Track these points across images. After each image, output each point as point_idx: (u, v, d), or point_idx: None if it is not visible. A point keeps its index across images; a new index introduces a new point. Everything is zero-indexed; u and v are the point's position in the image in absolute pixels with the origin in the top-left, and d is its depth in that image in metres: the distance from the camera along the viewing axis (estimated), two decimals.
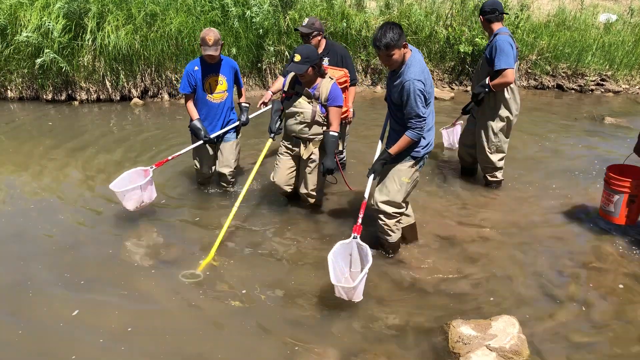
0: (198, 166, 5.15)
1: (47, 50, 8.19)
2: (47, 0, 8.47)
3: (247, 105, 5.15)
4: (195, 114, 4.86)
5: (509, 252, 4.27)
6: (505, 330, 3.12)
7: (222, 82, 4.87)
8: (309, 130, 4.36)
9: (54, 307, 3.55)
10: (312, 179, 4.54)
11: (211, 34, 4.60)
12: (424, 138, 3.75)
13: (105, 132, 7.35)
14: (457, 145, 6.19)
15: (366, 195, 3.89)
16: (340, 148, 5.37)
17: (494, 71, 4.77)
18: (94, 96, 8.89)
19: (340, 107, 4.27)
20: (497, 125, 5.06)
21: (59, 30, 8.22)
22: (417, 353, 3.16)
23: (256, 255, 4.19)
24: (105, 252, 4.25)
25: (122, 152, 6.44)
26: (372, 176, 3.85)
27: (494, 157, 5.17)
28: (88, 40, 8.39)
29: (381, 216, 3.92)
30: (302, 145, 4.46)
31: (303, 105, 4.29)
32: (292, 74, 4.38)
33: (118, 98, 8.90)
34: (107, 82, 8.83)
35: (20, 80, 8.91)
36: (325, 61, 4.98)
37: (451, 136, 6.40)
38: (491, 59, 4.78)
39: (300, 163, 4.60)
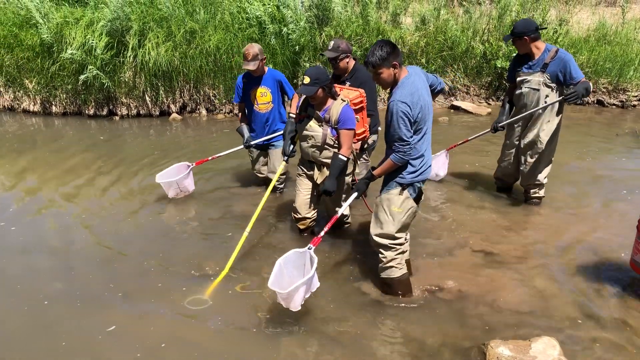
0: (251, 166, 5.70)
1: (91, 67, 8.47)
2: (91, 19, 8.76)
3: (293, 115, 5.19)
4: (243, 120, 5.40)
5: (550, 272, 4.17)
6: (545, 352, 3.04)
7: (266, 94, 5.19)
8: (320, 153, 4.23)
9: (96, 319, 3.63)
10: (335, 200, 4.41)
11: (250, 49, 4.91)
12: (411, 164, 3.53)
13: (145, 146, 7.54)
14: (441, 176, 5.92)
15: (340, 210, 3.83)
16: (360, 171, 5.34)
17: (574, 83, 4.71)
18: (134, 111, 9.14)
19: (352, 129, 4.09)
20: (553, 140, 5.02)
21: (101, 48, 8.50)
22: None
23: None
24: (144, 265, 4.33)
25: (160, 165, 6.57)
26: (355, 194, 3.76)
27: (542, 175, 5.10)
28: (129, 57, 8.64)
29: (380, 250, 3.70)
30: (316, 169, 4.34)
31: (314, 129, 4.18)
32: (304, 96, 4.26)
33: (157, 113, 9.12)
34: (147, 98, 9.06)
35: (64, 96, 9.23)
36: (347, 85, 4.75)
37: (437, 165, 5.81)
38: (565, 73, 4.73)
39: (315, 187, 4.47)
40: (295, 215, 4.57)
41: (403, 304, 3.72)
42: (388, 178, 3.62)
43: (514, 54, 9.07)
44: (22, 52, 9.12)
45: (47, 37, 8.77)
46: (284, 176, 5.64)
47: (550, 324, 3.54)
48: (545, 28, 9.12)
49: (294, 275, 3.45)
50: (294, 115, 4.85)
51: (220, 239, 4.74)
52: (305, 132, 4.24)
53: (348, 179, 4.44)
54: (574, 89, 4.67)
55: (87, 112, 9.18)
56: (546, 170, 5.12)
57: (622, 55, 9.68)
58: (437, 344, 3.34)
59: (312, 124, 4.19)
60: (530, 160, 5.08)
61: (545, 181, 5.16)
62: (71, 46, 8.61)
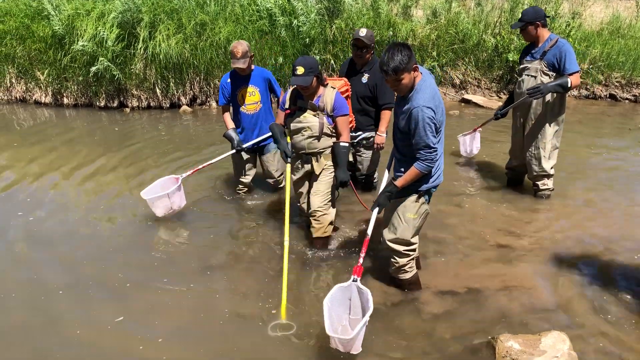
0: (234, 173, 5.25)
1: (102, 59, 8.50)
2: (102, 11, 8.79)
3: None
4: (230, 124, 4.98)
5: (561, 266, 4.14)
6: (555, 347, 3.03)
7: (254, 93, 4.89)
8: (319, 143, 4.08)
9: (106, 309, 3.66)
10: (323, 192, 4.19)
11: (239, 47, 4.61)
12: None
13: (155, 138, 7.56)
14: (474, 153, 6.28)
15: (369, 231, 3.52)
16: (370, 171, 5.31)
17: (569, 74, 4.69)
18: (145, 103, 9.16)
19: (347, 115, 4.05)
20: (556, 130, 5.00)
21: (112, 40, 8.53)
22: None
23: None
24: (151, 256, 4.37)
25: (170, 157, 6.60)
26: (376, 210, 3.55)
27: (548, 165, 5.08)
28: (140, 49, 8.66)
29: (394, 256, 3.63)
30: (313, 161, 4.17)
31: (309, 119, 4.04)
32: (290, 90, 4.16)
33: (168, 105, 9.15)
34: (157, 90, 9.08)
35: (76, 87, 9.27)
36: (365, 78, 4.78)
37: (470, 143, 6.26)
38: (560, 62, 4.72)
39: (311, 180, 4.29)
40: (310, 213, 4.30)
41: (411, 298, 3.72)
42: (407, 186, 3.45)
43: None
44: (33, 43, 9.16)
45: (58, 28, 8.81)
46: (282, 175, 5.28)
47: (560, 318, 3.53)
48: (550, 17, 9.03)
49: (340, 312, 3.22)
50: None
51: (224, 234, 4.77)
52: (298, 125, 4.08)
53: (330, 178, 4.21)
54: (541, 85, 4.68)
55: (98, 104, 9.22)
56: (552, 161, 5.10)
57: (636, 49, 9.57)
58: (447, 338, 3.34)
59: (307, 114, 4.05)
60: (535, 151, 5.08)
61: (552, 172, 5.14)
62: (82, 38, 8.65)
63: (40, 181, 5.92)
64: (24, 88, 9.64)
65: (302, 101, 4.07)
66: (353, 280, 3.23)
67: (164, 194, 4.70)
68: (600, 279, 3.98)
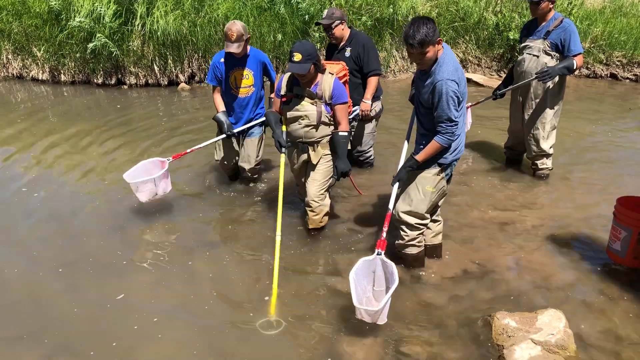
0: (218, 158, 4.97)
1: (99, 35, 8.41)
2: None
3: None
4: (220, 106, 4.71)
5: (558, 245, 4.16)
6: (551, 324, 3.05)
7: (248, 77, 4.63)
8: (317, 132, 3.94)
9: (106, 286, 3.68)
10: (320, 181, 4.06)
11: (234, 28, 4.29)
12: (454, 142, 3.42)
13: (153, 115, 7.55)
14: (467, 128, 6.10)
15: (391, 206, 3.52)
16: (367, 147, 5.30)
17: (573, 55, 4.67)
18: (143, 80, 9.10)
19: (346, 103, 3.93)
20: (556, 110, 4.99)
21: (110, 16, 8.44)
22: (460, 343, 3.13)
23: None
24: (149, 233, 4.39)
25: (167, 135, 6.59)
26: (397, 184, 3.51)
27: (547, 144, 5.07)
28: (137, 25, 8.58)
29: (403, 227, 3.59)
30: (310, 150, 4.02)
31: (306, 108, 3.88)
32: (286, 75, 3.97)
33: (166, 83, 9.09)
34: (155, 67, 9.01)
35: (73, 64, 9.19)
36: (347, 52, 4.86)
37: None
38: (564, 43, 4.69)
39: (308, 169, 4.16)
40: (310, 208, 4.14)
41: (411, 276, 3.74)
42: (429, 159, 3.44)
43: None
44: (30, 19, 9.06)
45: (55, 4, 8.69)
46: (260, 166, 5.06)
47: (557, 296, 3.55)
48: None
49: (365, 284, 3.25)
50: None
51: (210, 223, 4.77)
52: (295, 113, 3.92)
53: (327, 167, 4.08)
54: (549, 69, 4.64)
55: (95, 81, 9.15)
56: (551, 140, 5.09)
57: (638, 28, 9.50)
58: (444, 316, 3.37)
59: (304, 102, 3.89)
60: (534, 131, 5.06)
61: (551, 151, 5.13)
62: (79, 14, 8.54)
63: (38, 158, 5.91)
64: (21, 65, 9.56)
65: (298, 88, 3.90)
66: (377, 254, 3.24)
67: (150, 178, 4.35)
68: (598, 257, 4.00)
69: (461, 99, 3.27)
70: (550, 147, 5.10)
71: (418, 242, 3.66)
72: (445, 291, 3.61)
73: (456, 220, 4.52)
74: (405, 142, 3.77)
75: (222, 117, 4.66)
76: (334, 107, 3.89)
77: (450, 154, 3.44)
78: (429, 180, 3.47)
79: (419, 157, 3.41)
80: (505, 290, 3.63)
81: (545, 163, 5.19)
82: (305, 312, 3.42)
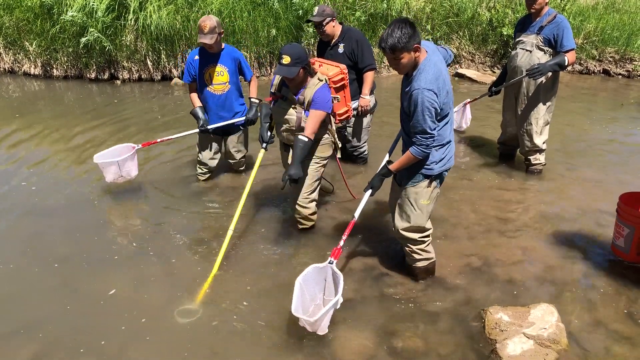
0: (199, 156, 5.00)
1: (92, 30, 8.37)
2: None
3: (257, 101, 4.73)
4: (196, 103, 4.77)
5: (550, 241, 4.18)
6: (544, 319, 3.08)
7: (223, 73, 4.66)
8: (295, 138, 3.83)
9: (97, 283, 3.67)
10: (305, 184, 3.99)
11: (207, 21, 4.38)
12: (437, 152, 3.25)
13: (147, 111, 7.52)
14: (464, 127, 6.31)
15: (356, 214, 3.42)
16: (361, 142, 5.30)
17: (565, 51, 4.68)
18: (136, 75, 9.07)
19: (322, 111, 3.72)
20: (549, 105, 5.00)
21: (102, 10, 8.39)
22: (453, 337, 3.15)
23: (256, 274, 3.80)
24: (144, 229, 4.38)
25: (161, 129, 6.56)
26: (369, 192, 3.42)
27: (540, 140, 5.08)
28: (131, 19, 8.54)
29: (408, 244, 3.49)
30: (291, 152, 3.89)
31: (289, 112, 3.83)
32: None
33: (159, 78, 9.06)
34: (148, 62, 8.97)
35: (65, 59, 9.14)
36: (340, 48, 4.89)
37: (460, 118, 6.30)
38: (557, 38, 4.70)
39: None
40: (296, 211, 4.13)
41: (405, 272, 3.74)
42: (413, 169, 3.30)
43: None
44: (21, 13, 9.00)
45: None
46: (243, 158, 5.15)
47: (550, 291, 3.58)
48: None
49: (315, 292, 3.21)
50: (255, 100, 4.71)
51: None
52: (279, 116, 3.91)
53: (314, 170, 4.01)
54: (540, 66, 4.66)
55: (88, 75, 9.11)
56: (544, 136, 5.10)
57: (631, 24, 9.55)
58: (436, 310, 3.38)
59: (288, 106, 3.84)
60: (527, 126, 5.07)
61: (544, 147, 5.15)
62: (71, 8, 8.49)
63: (30, 154, 5.89)
64: (13, 59, 9.50)
65: (286, 90, 3.84)
66: (329, 262, 3.18)
67: (114, 160, 4.67)
68: (591, 252, 4.03)
69: (440, 110, 3.07)
70: (544, 143, 5.12)
71: (427, 254, 3.55)
72: (440, 286, 3.63)
73: (450, 215, 4.54)
74: (387, 154, 3.60)
75: (199, 111, 4.75)
76: (310, 111, 3.75)
77: (438, 163, 3.28)
78: (421, 195, 3.34)
79: (393, 167, 3.29)
80: (500, 285, 3.65)
81: (538, 158, 5.21)
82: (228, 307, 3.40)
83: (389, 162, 3.37)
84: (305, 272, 3.11)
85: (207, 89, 4.71)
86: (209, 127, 4.74)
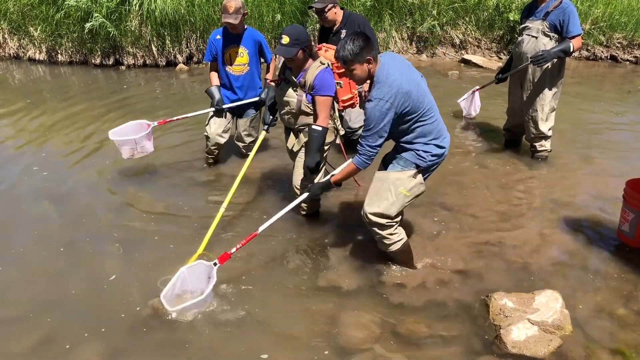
0: (207, 132, 4.94)
1: (96, 15, 8.34)
2: None
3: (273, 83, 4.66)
4: (215, 81, 4.85)
5: (555, 227, 4.18)
6: (548, 305, 3.08)
7: (243, 55, 4.72)
8: (295, 121, 3.87)
9: (100, 267, 3.69)
10: (302, 171, 3.97)
11: (233, 1, 4.44)
12: (437, 146, 3.28)
13: (152, 97, 7.52)
14: (473, 114, 6.30)
15: (260, 228, 3.40)
16: (358, 125, 5.18)
17: (571, 37, 4.64)
18: (140, 61, 9.05)
19: (328, 96, 3.66)
20: (555, 92, 4.96)
21: None
22: (457, 323, 3.16)
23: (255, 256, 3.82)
24: (147, 216, 4.39)
25: (166, 115, 6.54)
26: (304, 195, 3.53)
27: (546, 126, 5.06)
28: (135, 5, 8.50)
29: (374, 229, 3.39)
30: (292, 136, 3.99)
31: (290, 94, 3.80)
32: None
33: (164, 63, 9.04)
34: (153, 48, 8.95)
35: (70, 44, 9.13)
36: (343, 34, 4.79)
37: (469, 106, 6.31)
38: (563, 24, 4.66)
39: (293, 156, 4.12)
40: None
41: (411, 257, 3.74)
42: (404, 151, 3.30)
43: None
44: None
45: None
46: (253, 142, 5.06)
47: (554, 278, 3.57)
48: None
49: (197, 285, 3.25)
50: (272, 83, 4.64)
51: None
52: (281, 98, 3.90)
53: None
54: (544, 52, 4.64)
55: (93, 61, 9.09)
56: (549, 122, 5.08)
57: (639, 9, 9.43)
58: (441, 297, 3.39)
59: (290, 88, 3.82)
60: (533, 113, 5.05)
61: (549, 133, 5.13)
62: None
63: (36, 139, 5.90)
64: (17, 45, 9.49)
65: (289, 72, 3.81)
66: (214, 264, 3.25)
67: (130, 138, 4.65)
68: (597, 238, 4.02)
69: (399, 114, 3.10)
70: (549, 129, 5.10)
71: (397, 236, 3.44)
72: (445, 271, 3.63)
73: (455, 201, 4.54)
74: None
75: (215, 90, 4.79)
76: (314, 98, 3.69)
77: (433, 155, 3.29)
78: (404, 182, 3.29)
79: (334, 179, 3.40)
80: (505, 271, 3.65)
81: (544, 145, 5.19)
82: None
83: (332, 175, 3.44)
84: (192, 264, 3.28)
85: (227, 68, 4.77)
86: (224, 106, 4.80)
